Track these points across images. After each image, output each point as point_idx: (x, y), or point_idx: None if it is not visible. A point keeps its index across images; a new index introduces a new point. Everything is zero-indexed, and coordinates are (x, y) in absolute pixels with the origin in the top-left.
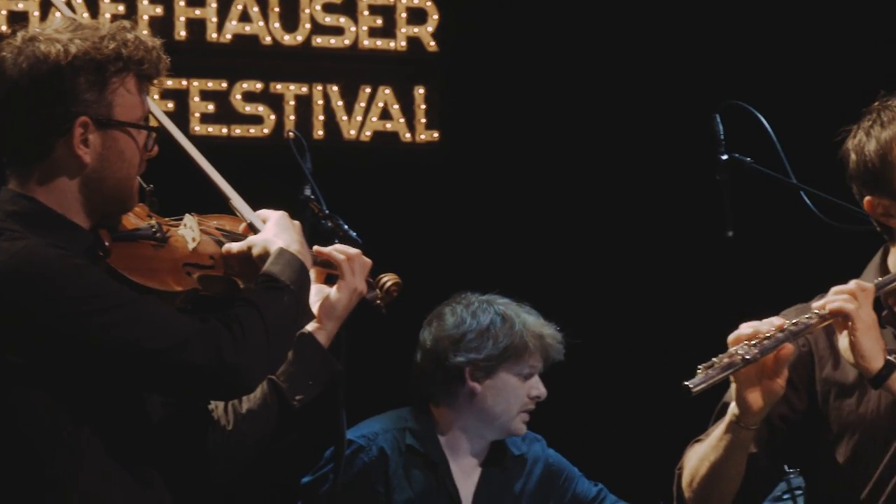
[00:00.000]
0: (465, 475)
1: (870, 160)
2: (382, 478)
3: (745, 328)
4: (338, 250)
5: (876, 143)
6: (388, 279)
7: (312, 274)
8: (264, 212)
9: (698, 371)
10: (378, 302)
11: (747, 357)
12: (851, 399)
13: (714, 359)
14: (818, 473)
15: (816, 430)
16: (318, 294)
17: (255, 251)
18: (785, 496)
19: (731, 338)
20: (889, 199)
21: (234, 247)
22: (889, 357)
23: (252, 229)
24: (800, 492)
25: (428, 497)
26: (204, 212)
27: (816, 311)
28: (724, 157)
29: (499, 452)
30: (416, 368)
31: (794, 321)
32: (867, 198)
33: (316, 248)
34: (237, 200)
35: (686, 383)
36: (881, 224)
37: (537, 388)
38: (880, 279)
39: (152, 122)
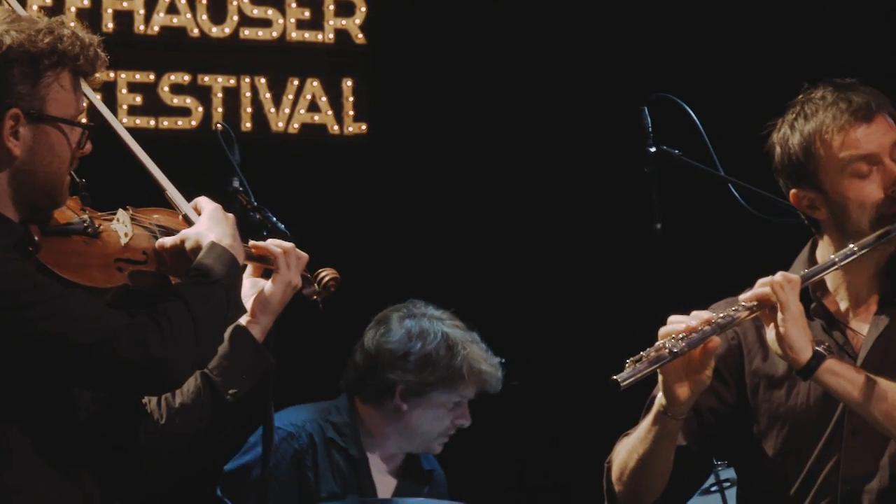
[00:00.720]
0: (382, 475)
1: (794, 153)
2: (312, 465)
3: (675, 322)
4: (274, 244)
5: (800, 136)
6: (326, 274)
7: (249, 268)
8: (199, 200)
9: (626, 365)
10: (315, 297)
11: (675, 350)
12: (781, 391)
13: (642, 353)
14: (750, 466)
15: (747, 422)
16: (253, 288)
17: (188, 245)
18: (713, 488)
19: (661, 331)
20: (814, 192)
21: (168, 241)
22: (817, 348)
23: (187, 221)
24: (728, 484)
25: (350, 490)
26: (138, 206)
27: (743, 304)
28: (653, 149)
29: (414, 466)
30: (352, 364)
31: (721, 314)
32: (793, 191)
33: (252, 242)
34: (172, 191)
35: (614, 377)
36: (807, 217)
37: (463, 416)
38: (807, 270)
39: (92, 114)
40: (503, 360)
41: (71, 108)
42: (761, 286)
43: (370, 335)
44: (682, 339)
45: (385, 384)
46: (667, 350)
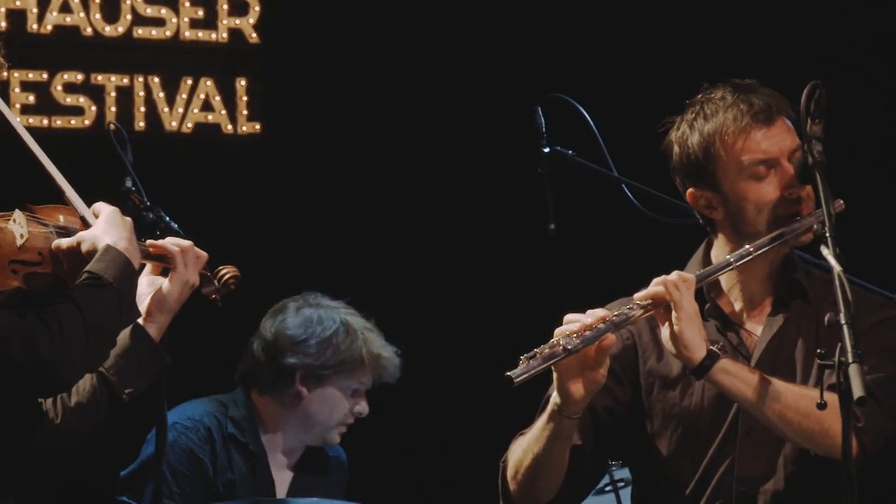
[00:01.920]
0: (280, 469)
1: (693, 153)
2: (211, 458)
3: (570, 322)
4: (172, 242)
5: (699, 136)
6: (227, 272)
7: (147, 267)
8: (98, 206)
9: (520, 362)
10: (214, 296)
11: (569, 347)
12: (675, 392)
13: (536, 349)
14: (644, 466)
15: (641, 422)
16: (151, 286)
17: (84, 247)
18: (607, 488)
19: (557, 331)
20: (711, 192)
21: (64, 243)
22: (711, 347)
23: (84, 223)
24: (622, 484)
25: (247, 484)
26: (40, 203)
27: (638, 303)
28: (546, 149)
29: (315, 456)
30: (250, 355)
31: (616, 312)
32: (690, 190)
33: (149, 241)
34: (71, 194)
35: (508, 373)
36: (704, 216)
37: (361, 405)
38: (702, 270)
39: None
40: (400, 349)
41: None
42: (656, 285)
43: (268, 324)
44: (576, 336)
45: (284, 370)
46: (561, 347)
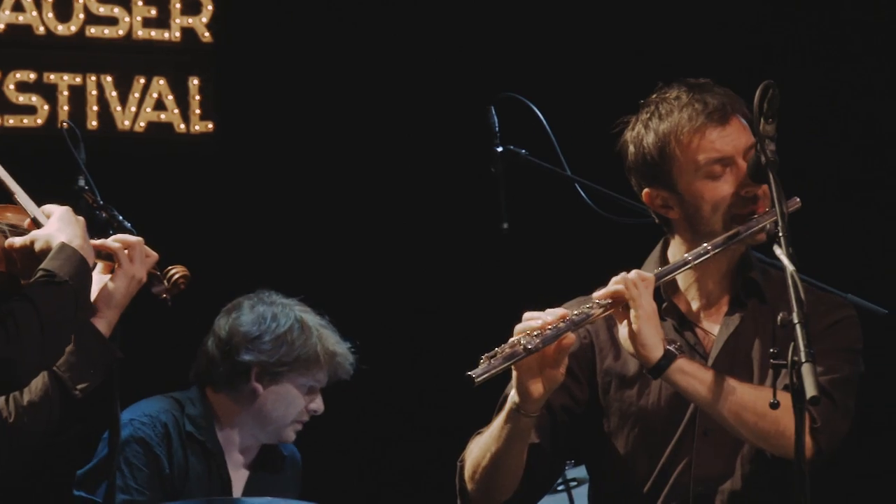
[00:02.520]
0: (236, 467)
1: (648, 152)
2: (167, 455)
3: (531, 319)
4: (115, 239)
5: (655, 136)
6: (176, 272)
7: (99, 267)
8: (49, 207)
9: (481, 361)
10: (164, 295)
11: (529, 347)
12: (632, 391)
13: (497, 349)
14: (601, 466)
15: (598, 421)
16: (98, 285)
17: (38, 245)
18: (560, 487)
19: (517, 328)
20: (668, 191)
21: (17, 241)
22: (669, 347)
23: (36, 224)
24: (574, 483)
25: (203, 482)
26: None
27: (597, 301)
28: (500, 149)
29: (270, 455)
30: (204, 353)
31: (575, 311)
32: (646, 190)
33: (91, 240)
34: (21, 195)
35: (469, 373)
36: (660, 216)
37: (316, 402)
38: (660, 269)
39: None
40: (354, 346)
41: None
42: (616, 283)
43: (222, 322)
44: (536, 335)
45: (239, 367)
46: (521, 346)
